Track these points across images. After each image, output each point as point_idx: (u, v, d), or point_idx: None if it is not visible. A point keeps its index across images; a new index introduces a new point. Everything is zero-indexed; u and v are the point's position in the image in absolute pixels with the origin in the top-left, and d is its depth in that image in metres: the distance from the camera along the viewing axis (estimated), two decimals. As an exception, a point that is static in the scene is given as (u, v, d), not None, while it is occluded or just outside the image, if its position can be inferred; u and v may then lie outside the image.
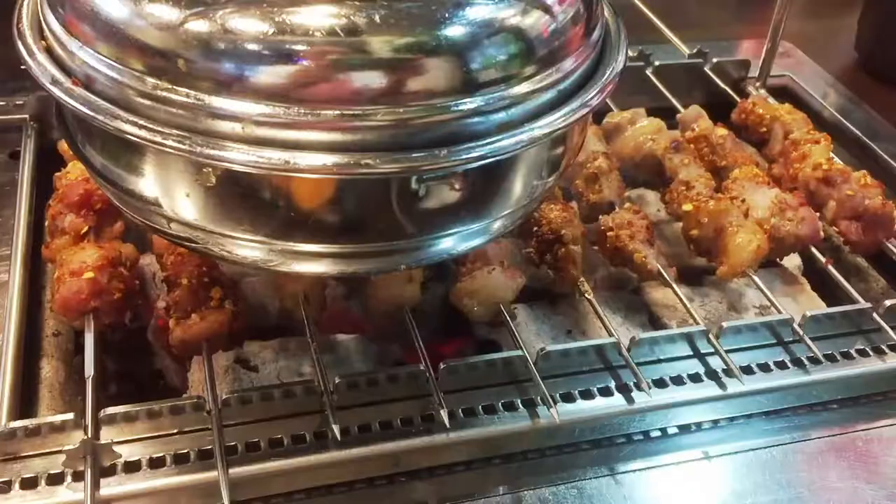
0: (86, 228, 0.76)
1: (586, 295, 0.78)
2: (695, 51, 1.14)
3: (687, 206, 0.85)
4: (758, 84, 1.14)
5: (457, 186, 0.57)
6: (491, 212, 0.62)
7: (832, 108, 1.13)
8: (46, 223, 0.81)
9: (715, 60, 1.14)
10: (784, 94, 1.17)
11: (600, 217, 0.85)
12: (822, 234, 0.87)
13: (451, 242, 0.62)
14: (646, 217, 0.85)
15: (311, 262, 0.60)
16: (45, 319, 0.79)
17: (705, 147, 0.95)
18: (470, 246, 0.64)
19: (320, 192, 0.56)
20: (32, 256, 0.81)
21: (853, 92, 1.20)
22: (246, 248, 0.59)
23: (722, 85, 1.12)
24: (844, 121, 1.10)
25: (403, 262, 0.63)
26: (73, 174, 0.80)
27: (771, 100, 1.11)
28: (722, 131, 0.96)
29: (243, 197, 0.55)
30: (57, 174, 0.82)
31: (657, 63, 1.11)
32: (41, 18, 0.59)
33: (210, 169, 0.54)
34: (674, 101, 1.06)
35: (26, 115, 0.94)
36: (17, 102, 0.96)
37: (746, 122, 1.03)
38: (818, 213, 0.88)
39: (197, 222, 0.58)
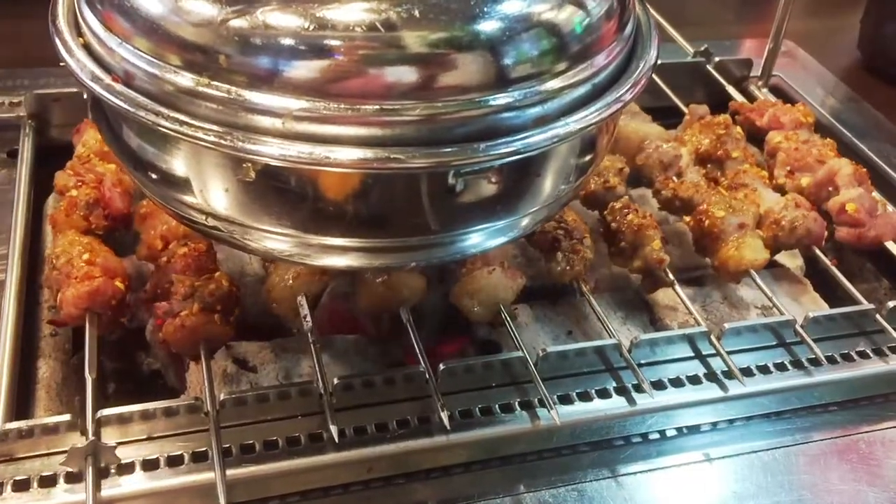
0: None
1: (587, 295, 0.78)
2: (698, 50, 1.13)
3: (688, 192, 0.85)
4: (760, 83, 1.14)
5: (490, 182, 0.57)
6: (520, 208, 0.62)
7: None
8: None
9: (717, 59, 1.14)
10: (776, 94, 1.16)
11: (610, 204, 0.85)
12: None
13: (479, 238, 0.62)
14: (650, 215, 0.84)
15: (339, 255, 0.60)
16: (42, 319, 0.78)
17: (714, 136, 0.94)
18: (497, 242, 0.64)
19: (355, 186, 0.56)
20: (30, 256, 0.81)
21: (855, 91, 1.19)
22: (279, 241, 0.59)
23: (724, 84, 1.12)
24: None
25: (431, 257, 0.63)
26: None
27: (772, 99, 1.11)
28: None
29: (281, 191, 0.56)
30: (59, 172, 0.82)
31: (659, 62, 1.10)
32: (78, 15, 0.59)
33: (250, 164, 0.54)
34: (676, 99, 1.06)
35: (24, 113, 0.94)
36: (15, 100, 0.96)
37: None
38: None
39: (231, 216, 0.58)
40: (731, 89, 1.11)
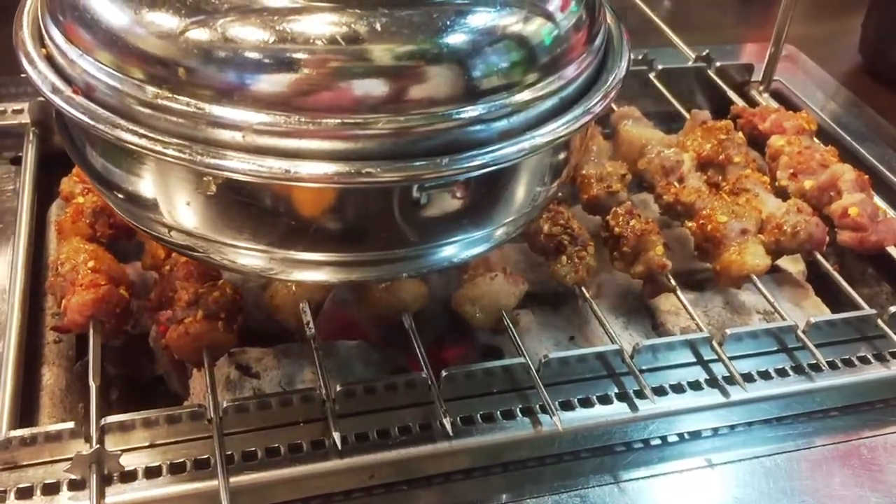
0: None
1: (589, 301, 0.78)
2: (699, 55, 1.13)
3: (689, 197, 0.85)
4: (761, 88, 1.14)
5: (458, 194, 0.56)
6: (493, 219, 0.61)
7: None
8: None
9: (718, 64, 1.14)
10: (777, 99, 1.16)
11: (612, 209, 0.85)
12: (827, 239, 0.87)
13: (453, 250, 0.62)
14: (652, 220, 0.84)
15: (313, 270, 0.60)
16: (46, 326, 0.79)
17: (715, 141, 0.94)
18: (472, 253, 0.64)
19: (321, 201, 0.55)
20: (34, 262, 0.81)
21: (857, 95, 1.19)
22: (247, 256, 0.59)
23: (726, 89, 1.12)
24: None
25: (405, 270, 0.62)
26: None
27: (774, 103, 1.11)
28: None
29: (244, 205, 0.55)
30: (65, 178, 0.82)
31: (660, 67, 1.11)
32: (41, 26, 0.59)
33: (210, 178, 0.53)
34: (677, 105, 1.06)
35: (28, 121, 0.94)
36: (19, 108, 0.96)
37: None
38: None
39: (197, 231, 0.58)
40: (732, 94, 1.11)
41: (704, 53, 1.14)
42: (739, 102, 1.08)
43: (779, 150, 0.96)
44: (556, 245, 0.79)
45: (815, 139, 0.98)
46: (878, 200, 0.91)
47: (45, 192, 0.88)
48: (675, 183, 0.90)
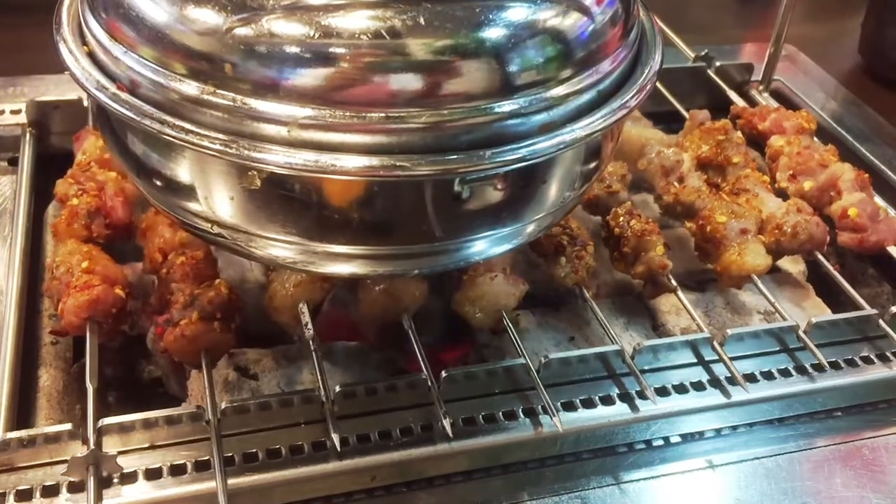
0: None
1: (589, 301, 0.78)
2: (699, 54, 1.13)
3: (689, 197, 0.85)
4: (761, 88, 1.14)
5: (496, 188, 0.57)
6: (525, 215, 0.62)
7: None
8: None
9: (718, 64, 1.14)
10: (777, 98, 1.16)
11: (612, 209, 0.84)
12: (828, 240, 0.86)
13: (482, 246, 0.62)
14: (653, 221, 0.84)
15: (343, 263, 0.61)
16: (43, 328, 0.78)
17: (714, 142, 0.94)
18: (502, 249, 0.65)
19: (361, 194, 0.56)
20: (31, 264, 0.81)
21: (856, 95, 1.19)
22: (281, 248, 0.60)
23: (725, 88, 1.11)
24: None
25: (434, 264, 0.63)
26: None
27: (773, 103, 1.10)
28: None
29: (285, 199, 0.56)
30: (59, 180, 0.82)
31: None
32: (82, 23, 0.59)
33: (255, 172, 0.54)
34: (677, 104, 1.05)
35: (24, 121, 0.94)
36: (15, 108, 0.95)
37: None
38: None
39: (236, 223, 0.58)
40: (732, 94, 1.11)
41: (704, 53, 1.14)
42: (739, 102, 1.08)
43: (778, 151, 0.96)
44: (555, 246, 0.79)
45: (814, 139, 0.98)
46: (878, 200, 0.91)
47: (42, 194, 0.87)
48: (675, 183, 0.89)
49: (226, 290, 0.70)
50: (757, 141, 1.02)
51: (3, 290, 0.77)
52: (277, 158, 0.52)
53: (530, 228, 0.64)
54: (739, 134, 0.96)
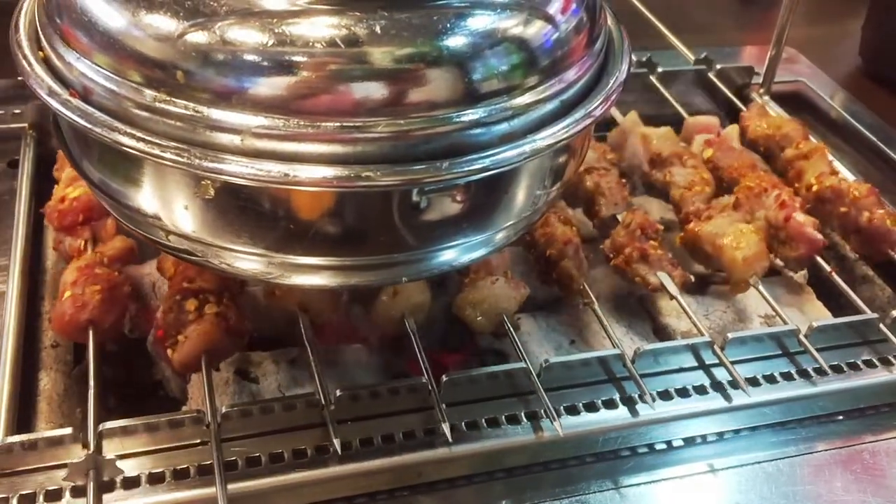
0: (82, 243, 0.76)
1: (590, 304, 0.78)
2: (700, 57, 1.13)
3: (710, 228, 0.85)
4: (762, 90, 1.14)
5: (458, 198, 0.56)
6: (493, 223, 0.61)
7: (847, 114, 1.11)
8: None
9: (719, 67, 1.14)
10: (796, 100, 1.16)
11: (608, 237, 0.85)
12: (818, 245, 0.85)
13: (453, 254, 0.61)
14: (652, 225, 0.84)
15: (311, 274, 0.60)
16: (43, 331, 0.78)
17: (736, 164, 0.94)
18: (472, 257, 0.64)
19: (320, 205, 0.55)
20: (31, 267, 0.81)
21: (857, 97, 1.19)
22: (245, 260, 0.59)
23: (726, 91, 1.12)
24: (860, 127, 1.08)
25: (405, 274, 0.62)
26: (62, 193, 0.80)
27: (774, 106, 1.10)
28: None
29: (242, 209, 0.55)
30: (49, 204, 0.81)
31: (661, 69, 1.10)
32: (38, 29, 0.59)
33: (209, 182, 0.53)
34: (678, 107, 1.06)
35: (25, 124, 0.94)
36: (16, 111, 0.95)
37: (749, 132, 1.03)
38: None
39: (196, 235, 0.57)
40: (732, 97, 1.11)
41: (704, 56, 1.14)
42: (740, 106, 1.08)
43: (788, 163, 0.95)
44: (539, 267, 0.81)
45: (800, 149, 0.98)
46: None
47: (43, 196, 0.87)
48: (699, 206, 0.89)
49: (226, 292, 0.70)
50: (756, 143, 1.02)
51: (3, 293, 0.77)
52: (231, 168, 0.51)
53: (501, 235, 0.63)
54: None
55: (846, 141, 1.00)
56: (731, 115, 1.06)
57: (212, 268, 0.61)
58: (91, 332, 0.69)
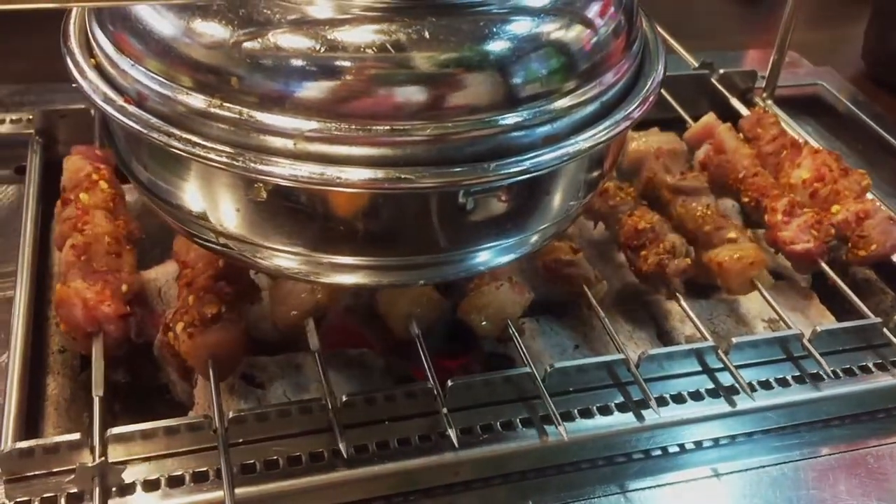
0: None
1: (595, 309, 0.78)
2: (702, 62, 1.13)
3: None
4: (765, 95, 1.14)
5: (500, 200, 0.58)
6: (530, 226, 0.62)
7: (866, 117, 1.11)
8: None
9: (722, 71, 1.14)
10: (815, 103, 1.16)
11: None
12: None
13: (487, 256, 0.63)
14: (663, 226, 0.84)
15: (348, 273, 0.61)
16: (51, 336, 0.79)
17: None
18: (507, 259, 0.65)
19: (366, 206, 0.57)
20: (38, 272, 0.81)
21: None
22: (287, 259, 0.60)
23: (729, 96, 1.12)
24: (882, 131, 1.08)
25: (440, 275, 0.63)
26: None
27: (776, 110, 1.11)
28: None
29: (291, 211, 0.56)
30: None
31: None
32: (90, 36, 0.60)
33: (261, 184, 0.54)
34: (681, 111, 1.06)
35: (32, 130, 0.94)
36: (23, 117, 0.96)
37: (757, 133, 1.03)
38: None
39: (242, 234, 0.59)
40: (735, 101, 1.11)
41: (707, 61, 1.14)
42: (741, 111, 1.08)
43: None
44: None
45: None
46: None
47: (50, 202, 0.87)
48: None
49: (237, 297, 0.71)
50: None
51: (11, 298, 0.77)
52: (283, 171, 0.52)
53: (534, 238, 0.65)
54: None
55: (867, 146, 1.00)
56: (733, 119, 1.06)
57: (254, 266, 0.62)
58: (99, 337, 0.69)
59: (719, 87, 1.13)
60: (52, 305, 0.80)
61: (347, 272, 0.60)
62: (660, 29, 1.08)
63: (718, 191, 0.95)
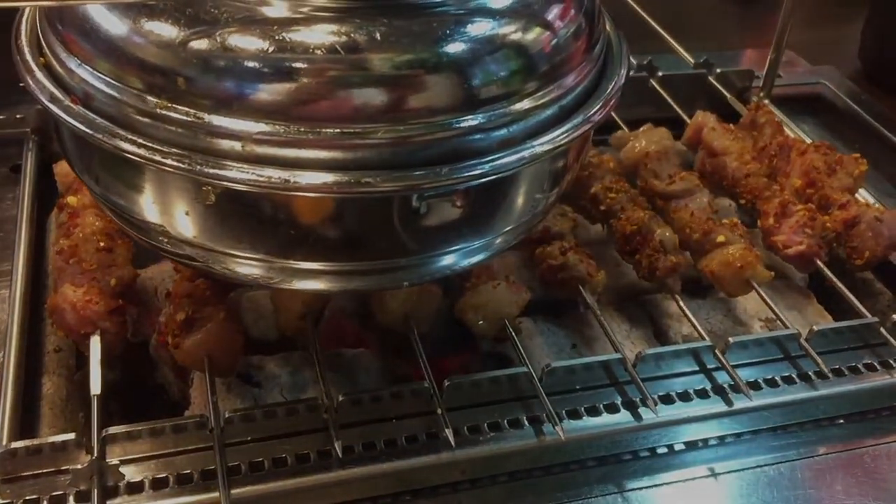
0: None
1: (592, 308, 0.78)
2: (700, 61, 1.13)
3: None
4: (762, 94, 1.14)
5: (458, 204, 0.56)
6: (493, 228, 0.61)
7: (869, 115, 1.11)
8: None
9: (719, 70, 1.14)
10: (814, 102, 1.16)
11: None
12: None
13: (452, 259, 0.62)
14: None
15: (311, 279, 0.60)
16: (46, 335, 0.78)
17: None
18: (472, 262, 0.64)
19: (320, 210, 0.55)
20: (34, 271, 0.81)
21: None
22: (246, 265, 0.59)
23: (727, 94, 1.12)
24: (883, 129, 1.09)
25: (404, 279, 0.62)
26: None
27: (775, 110, 1.10)
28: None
29: (243, 215, 0.55)
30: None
31: (661, 73, 1.11)
32: (40, 35, 0.59)
33: (210, 187, 0.53)
34: (679, 110, 1.06)
35: (27, 129, 0.94)
36: (18, 116, 0.95)
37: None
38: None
39: (196, 240, 0.58)
40: (732, 100, 1.11)
41: (704, 59, 1.14)
42: (739, 110, 1.08)
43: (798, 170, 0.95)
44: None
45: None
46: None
47: (45, 201, 0.87)
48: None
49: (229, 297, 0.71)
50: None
51: (6, 297, 0.77)
52: (231, 174, 0.51)
53: (500, 240, 0.64)
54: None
55: (866, 144, 0.99)
56: (731, 118, 1.06)
57: (213, 273, 0.61)
58: (92, 337, 0.69)
59: (717, 85, 1.13)
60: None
61: (311, 278, 0.59)
62: (657, 27, 1.09)
63: (718, 191, 0.95)
